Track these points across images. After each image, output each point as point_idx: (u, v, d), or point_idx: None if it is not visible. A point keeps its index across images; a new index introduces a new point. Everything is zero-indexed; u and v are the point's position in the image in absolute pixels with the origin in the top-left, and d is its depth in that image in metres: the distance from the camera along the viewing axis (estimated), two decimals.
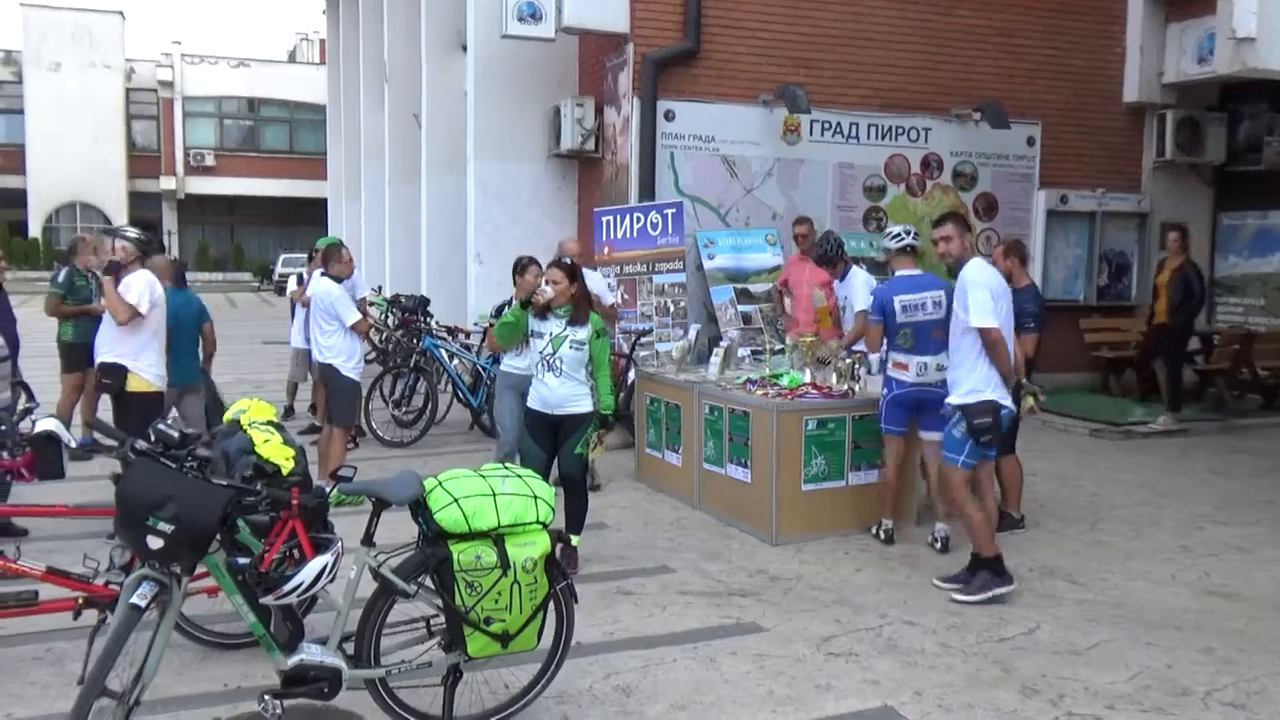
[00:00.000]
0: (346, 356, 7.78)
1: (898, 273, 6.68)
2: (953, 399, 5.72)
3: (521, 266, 7.11)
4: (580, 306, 5.91)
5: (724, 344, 8.40)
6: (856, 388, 7.07)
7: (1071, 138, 12.58)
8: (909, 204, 11.90)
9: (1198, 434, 10.56)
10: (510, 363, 7.24)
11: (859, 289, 7.84)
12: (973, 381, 5.61)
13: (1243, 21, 9.76)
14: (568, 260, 6.11)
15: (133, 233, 6.76)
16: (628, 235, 10.42)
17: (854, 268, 8.09)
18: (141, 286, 6.45)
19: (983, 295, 5.57)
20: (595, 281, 8.32)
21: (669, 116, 10.81)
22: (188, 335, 7.49)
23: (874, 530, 6.80)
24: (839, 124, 11.49)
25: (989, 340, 5.57)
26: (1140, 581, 6.04)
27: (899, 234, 6.69)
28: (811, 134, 11.38)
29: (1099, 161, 12.82)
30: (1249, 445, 10.06)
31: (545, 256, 11.01)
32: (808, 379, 7.23)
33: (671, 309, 10.42)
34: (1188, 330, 10.84)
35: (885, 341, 6.60)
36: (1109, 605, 5.62)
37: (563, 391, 5.92)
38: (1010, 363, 5.70)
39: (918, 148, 11.90)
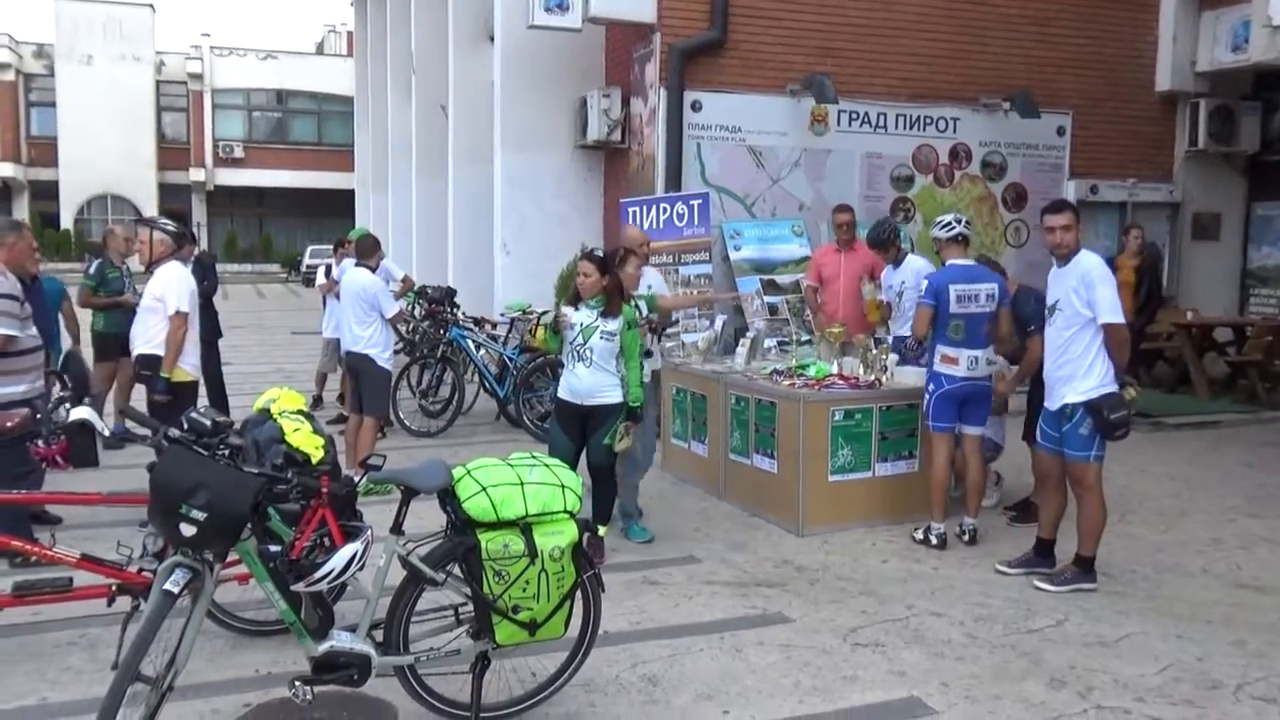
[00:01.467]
0: (383, 347, 7.87)
1: (949, 262, 6.55)
2: (1072, 397, 5.52)
3: (620, 259, 6.45)
4: (613, 298, 5.92)
5: (750, 334, 8.38)
6: (884, 378, 7.05)
7: (1102, 127, 12.44)
8: (937, 194, 11.82)
9: (1229, 426, 10.45)
10: None
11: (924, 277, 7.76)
12: (1095, 377, 5.47)
13: (1279, 9, 9.64)
14: (599, 252, 6.12)
15: (170, 225, 6.85)
16: (654, 226, 10.40)
17: (910, 255, 7.99)
18: (176, 284, 6.52)
19: (1112, 291, 5.47)
20: (655, 278, 8.11)
21: (695, 107, 10.78)
22: (40, 317, 7.67)
23: (921, 534, 6.51)
24: (866, 114, 11.42)
25: (1120, 338, 5.49)
26: (1170, 574, 6.00)
27: (949, 223, 6.58)
28: (839, 124, 11.31)
29: (1130, 151, 12.67)
30: None
31: (571, 248, 11.07)
32: (835, 369, 7.20)
33: None
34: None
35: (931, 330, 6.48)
36: (1138, 597, 5.58)
37: (592, 382, 5.93)
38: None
39: (946, 138, 11.81)
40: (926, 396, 6.52)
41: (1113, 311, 5.45)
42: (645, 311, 6.45)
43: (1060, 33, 12.07)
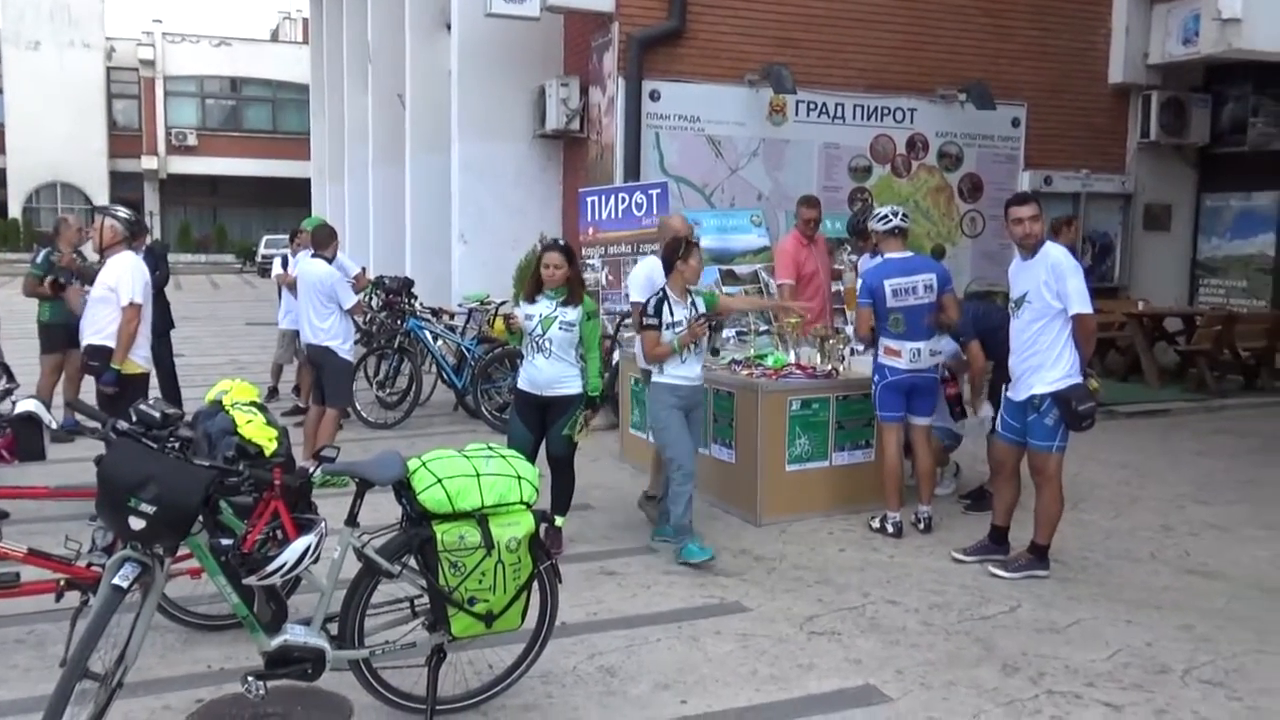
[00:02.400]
0: (343, 339, 7.81)
1: (886, 255, 6.57)
2: (1040, 388, 5.54)
3: (684, 251, 6.02)
4: (574, 288, 5.90)
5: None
6: (841, 368, 7.08)
7: (1056, 119, 12.59)
8: (894, 185, 11.91)
9: (1179, 414, 10.63)
10: (674, 372, 6.03)
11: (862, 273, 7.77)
12: (1063, 368, 5.50)
13: (1228, 2, 9.79)
14: (563, 241, 6.09)
15: (122, 212, 6.71)
16: (612, 216, 10.38)
17: None
18: (130, 275, 6.38)
19: (1082, 282, 5.50)
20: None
21: (654, 96, 10.77)
22: None
23: (878, 523, 6.53)
24: (824, 104, 11.48)
25: (1089, 328, 5.55)
26: (1120, 560, 6.09)
27: (886, 215, 6.57)
28: (797, 114, 11.36)
29: (1083, 142, 12.84)
30: (1230, 426, 10.13)
31: (530, 238, 11.02)
32: (792, 359, 7.23)
33: None
34: None
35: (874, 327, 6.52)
36: (1089, 584, 5.66)
37: (551, 372, 5.91)
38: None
39: (903, 128, 11.89)
40: (873, 387, 6.57)
41: (1084, 302, 5.50)
42: (702, 309, 6.15)
43: (1014, 24, 12.20)
